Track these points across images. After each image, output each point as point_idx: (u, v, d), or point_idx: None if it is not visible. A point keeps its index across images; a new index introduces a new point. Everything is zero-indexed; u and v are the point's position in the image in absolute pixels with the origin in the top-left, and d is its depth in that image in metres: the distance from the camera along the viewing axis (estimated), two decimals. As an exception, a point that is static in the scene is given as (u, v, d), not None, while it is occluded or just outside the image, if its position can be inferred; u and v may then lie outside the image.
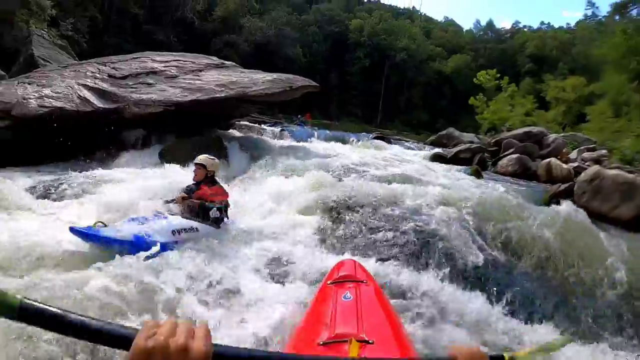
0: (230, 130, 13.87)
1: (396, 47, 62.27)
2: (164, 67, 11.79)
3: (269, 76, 11.31)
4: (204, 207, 5.84)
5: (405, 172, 8.51)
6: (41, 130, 9.94)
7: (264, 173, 8.88)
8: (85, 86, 10.94)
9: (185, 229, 5.48)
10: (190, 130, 10.91)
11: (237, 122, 15.39)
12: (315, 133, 19.07)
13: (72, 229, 4.58)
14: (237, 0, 53.38)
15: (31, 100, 10.43)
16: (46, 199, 6.95)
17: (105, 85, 11.01)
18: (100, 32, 40.07)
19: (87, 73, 11.60)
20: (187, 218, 5.66)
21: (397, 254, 5.33)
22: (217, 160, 6.40)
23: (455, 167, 13.18)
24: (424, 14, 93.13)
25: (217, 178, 6.35)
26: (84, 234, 4.58)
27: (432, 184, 7.88)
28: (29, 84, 11.33)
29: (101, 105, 10.45)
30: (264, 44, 50.27)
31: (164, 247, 4.87)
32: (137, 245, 4.72)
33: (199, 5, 50.21)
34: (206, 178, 6.19)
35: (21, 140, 10.07)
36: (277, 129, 17.82)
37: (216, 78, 11.22)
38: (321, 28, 61.92)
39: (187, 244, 5.12)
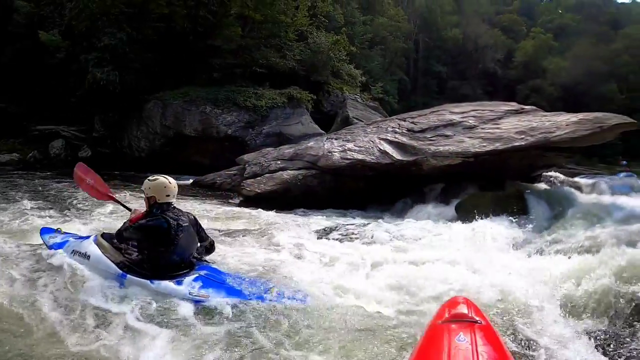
0: (537, 184, 12.69)
1: None
2: (462, 118, 11.47)
3: (574, 117, 9.98)
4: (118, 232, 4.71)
5: None
6: (343, 179, 11.38)
7: (559, 236, 7.23)
8: (385, 140, 11.39)
9: (77, 251, 4.84)
10: (491, 184, 10.38)
11: (545, 174, 14.17)
12: (643, 184, 16.04)
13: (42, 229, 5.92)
14: (535, 42, 50.95)
15: (335, 153, 11.69)
16: (320, 239, 7.61)
17: (404, 139, 11.22)
18: (409, 92, 42.64)
19: (388, 128, 12.07)
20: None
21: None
22: (159, 179, 4.52)
23: None
24: None
25: (175, 205, 4.61)
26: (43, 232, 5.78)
27: None
28: (336, 139, 12.60)
29: (400, 158, 10.72)
30: (572, 85, 46.13)
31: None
32: (50, 247, 5.31)
33: (497, 54, 49.88)
34: (151, 208, 4.49)
35: (326, 187, 11.64)
36: (590, 181, 15.85)
37: (515, 125, 10.46)
38: (635, 56, 51.31)
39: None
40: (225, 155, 18.69)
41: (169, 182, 4.54)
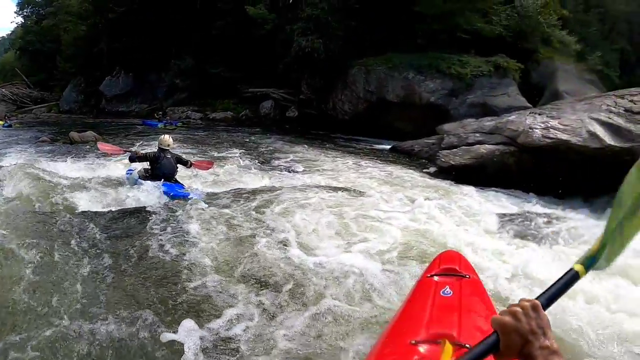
0: None
1: None
2: None
3: None
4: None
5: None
6: (542, 160, 10.27)
7: None
8: (597, 120, 10.08)
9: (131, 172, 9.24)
10: None
11: None
12: None
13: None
14: None
15: (536, 130, 10.56)
16: (504, 227, 6.89)
17: (620, 121, 9.83)
18: (634, 64, 37.58)
19: (602, 106, 10.64)
20: None
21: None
22: (160, 137, 8.96)
23: None
24: None
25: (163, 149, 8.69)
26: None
27: None
28: (539, 114, 11.43)
29: (611, 143, 9.43)
30: None
31: None
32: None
33: None
34: (157, 148, 8.86)
35: (523, 167, 10.72)
36: None
37: None
38: None
39: None
40: (427, 123, 18.56)
41: (164, 138, 8.73)
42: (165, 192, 7.86)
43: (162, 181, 8.25)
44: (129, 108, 35.44)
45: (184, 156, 9.40)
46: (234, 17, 28.50)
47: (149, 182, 8.30)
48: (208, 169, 9.74)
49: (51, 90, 48.12)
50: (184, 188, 8.37)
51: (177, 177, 8.93)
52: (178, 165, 8.84)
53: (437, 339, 2.18)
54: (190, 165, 9.14)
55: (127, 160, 9.36)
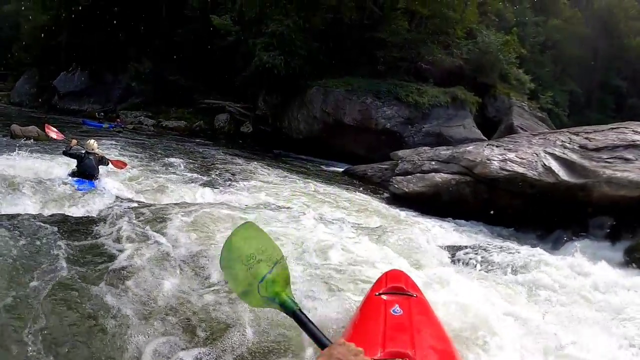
0: None
1: None
2: (648, 139, 9.85)
3: None
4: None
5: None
6: (499, 192, 10.32)
7: None
8: (552, 155, 10.22)
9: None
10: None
11: None
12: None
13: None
14: None
15: (494, 162, 10.62)
16: (454, 256, 6.68)
17: (574, 157, 9.95)
18: (581, 106, 38.93)
19: (557, 142, 10.77)
20: None
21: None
22: (87, 141, 9.87)
23: None
24: None
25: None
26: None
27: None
28: (497, 146, 11.52)
29: (565, 178, 9.54)
30: None
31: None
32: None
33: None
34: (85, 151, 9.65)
35: (478, 198, 10.75)
36: None
37: None
38: None
39: None
40: (382, 149, 18.70)
41: (89, 143, 9.70)
42: (77, 188, 8.64)
43: (81, 179, 9.26)
44: (81, 107, 34.22)
45: (106, 156, 10.31)
46: (198, 25, 28.11)
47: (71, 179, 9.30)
48: (122, 168, 10.61)
49: (4, 79, 46.55)
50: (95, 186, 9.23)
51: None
52: (100, 166, 9.83)
53: (395, 357, 2.24)
54: (108, 163, 10.07)
55: (62, 159, 10.35)
